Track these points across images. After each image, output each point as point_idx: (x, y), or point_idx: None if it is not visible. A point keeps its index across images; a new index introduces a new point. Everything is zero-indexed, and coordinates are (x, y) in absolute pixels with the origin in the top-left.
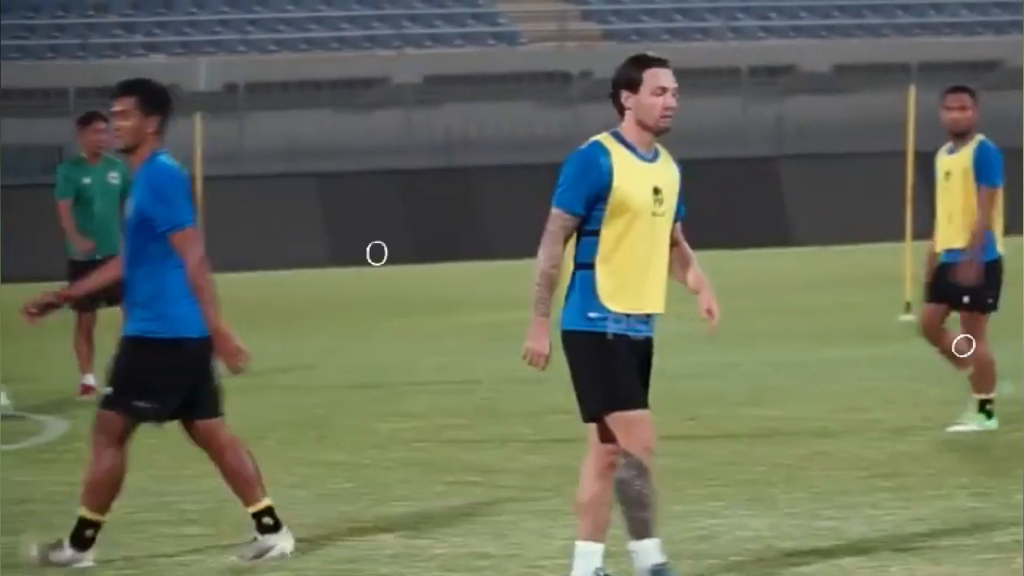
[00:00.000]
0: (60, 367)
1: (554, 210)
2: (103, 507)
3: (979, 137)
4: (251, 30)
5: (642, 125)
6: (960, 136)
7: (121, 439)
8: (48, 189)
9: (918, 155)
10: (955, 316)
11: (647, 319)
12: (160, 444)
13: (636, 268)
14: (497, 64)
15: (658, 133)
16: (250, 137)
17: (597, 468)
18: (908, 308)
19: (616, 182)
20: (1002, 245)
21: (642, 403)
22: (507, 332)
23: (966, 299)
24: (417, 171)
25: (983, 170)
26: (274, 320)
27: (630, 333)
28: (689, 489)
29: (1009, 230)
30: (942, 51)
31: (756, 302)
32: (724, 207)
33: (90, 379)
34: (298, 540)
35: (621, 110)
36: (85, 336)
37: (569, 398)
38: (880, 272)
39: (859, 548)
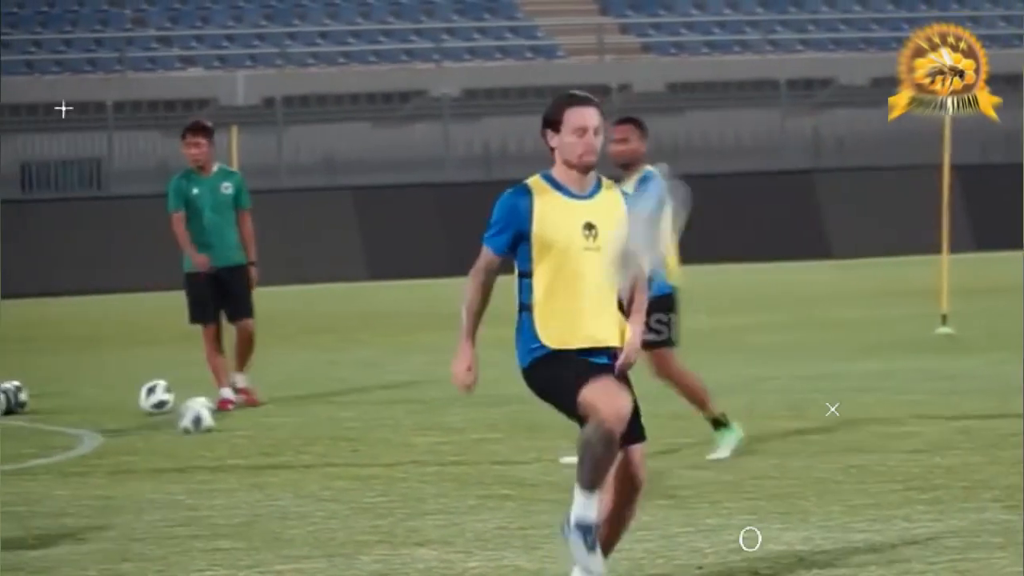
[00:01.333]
0: (93, 380)
1: (483, 247)
2: None
3: (645, 167)
4: (289, 44)
5: (567, 164)
6: (626, 168)
7: None
8: (89, 202)
9: (955, 168)
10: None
11: (601, 352)
12: (194, 457)
13: (571, 305)
14: (535, 77)
15: (584, 171)
16: (288, 151)
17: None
18: (944, 320)
19: (536, 224)
20: (677, 278)
21: (604, 373)
22: None
23: (650, 336)
24: (455, 184)
25: None
26: (311, 334)
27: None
28: (724, 502)
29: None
30: None
31: (792, 315)
32: (761, 220)
33: (228, 392)
34: (332, 554)
35: (551, 150)
36: (215, 348)
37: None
38: (917, 285)
39: (891, 561)
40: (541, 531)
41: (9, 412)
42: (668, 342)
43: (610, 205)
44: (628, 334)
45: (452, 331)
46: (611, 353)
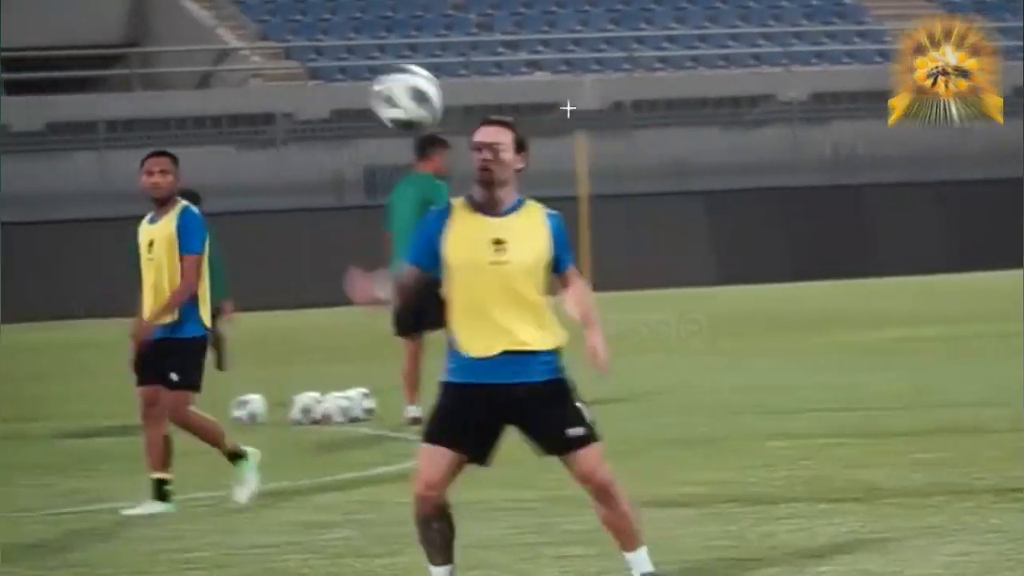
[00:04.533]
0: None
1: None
2: None
3: (182, 203)
4: (636, 47)
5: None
6: (161, 203)
7: None
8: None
9: None
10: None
11: (516, 364)
12: (543, 463)
13: (476, 316)
14: (884, 81)
15: (484, 187)
16: (637, 155)
17: None
18: None
19: (445, 239)
20: (207, 320)
21: (443, 443)
22: (891, 349)
23: (175, 376)
24: (804, 188)
25: (183, 238)
26: (659, 340)
27: (481, 381)
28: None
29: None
30: None
31: None
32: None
33: (413, 411)
34: (682, 560)
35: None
36: (414, 363)
37: (962, 417)
38: None
39: None
40: (893, 535)
41: (355, 419)
42: (191, 385)
43: (527, 223)
44: (592, 342)
45: (797, 335)
46: (534, 355)
